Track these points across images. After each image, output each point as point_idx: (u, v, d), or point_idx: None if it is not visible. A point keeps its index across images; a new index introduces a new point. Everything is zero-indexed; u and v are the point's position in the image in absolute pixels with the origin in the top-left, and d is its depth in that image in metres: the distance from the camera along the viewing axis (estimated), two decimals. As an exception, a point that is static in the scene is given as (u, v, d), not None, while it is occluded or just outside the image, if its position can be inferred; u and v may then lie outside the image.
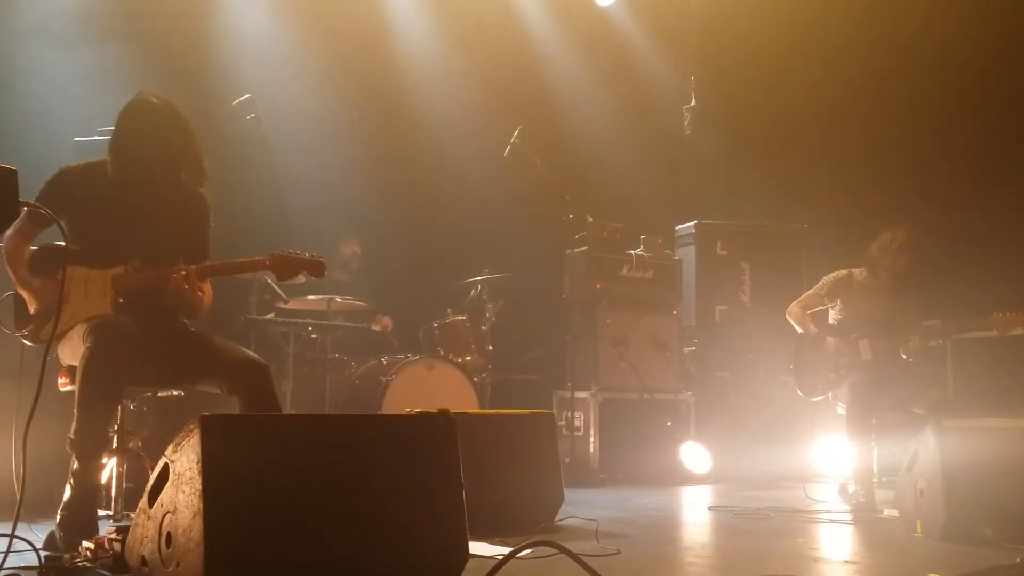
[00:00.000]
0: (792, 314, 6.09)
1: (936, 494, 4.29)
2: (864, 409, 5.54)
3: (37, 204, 3.46)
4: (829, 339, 5.91)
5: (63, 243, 3.68)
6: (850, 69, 8.34)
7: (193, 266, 3.90)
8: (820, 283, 6.08)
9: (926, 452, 4.45)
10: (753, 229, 8.09)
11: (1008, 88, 7.70)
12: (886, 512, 5.17)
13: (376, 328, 7.38)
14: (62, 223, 3.49)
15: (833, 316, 6.05)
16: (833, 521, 5.08)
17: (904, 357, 5.66)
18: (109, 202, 3.93)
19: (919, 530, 4.45)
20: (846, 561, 4.00)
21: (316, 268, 3.96)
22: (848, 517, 5.15)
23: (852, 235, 7.02)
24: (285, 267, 3.93)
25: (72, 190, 3.92)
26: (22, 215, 3.67)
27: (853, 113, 8.28)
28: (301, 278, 4.15)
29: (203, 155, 4.09)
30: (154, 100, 3.99)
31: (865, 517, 5.11)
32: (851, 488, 5.53)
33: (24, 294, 3.85)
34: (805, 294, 6.14)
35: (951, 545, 4.14)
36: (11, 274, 3.85)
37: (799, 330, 6.04)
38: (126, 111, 4.00)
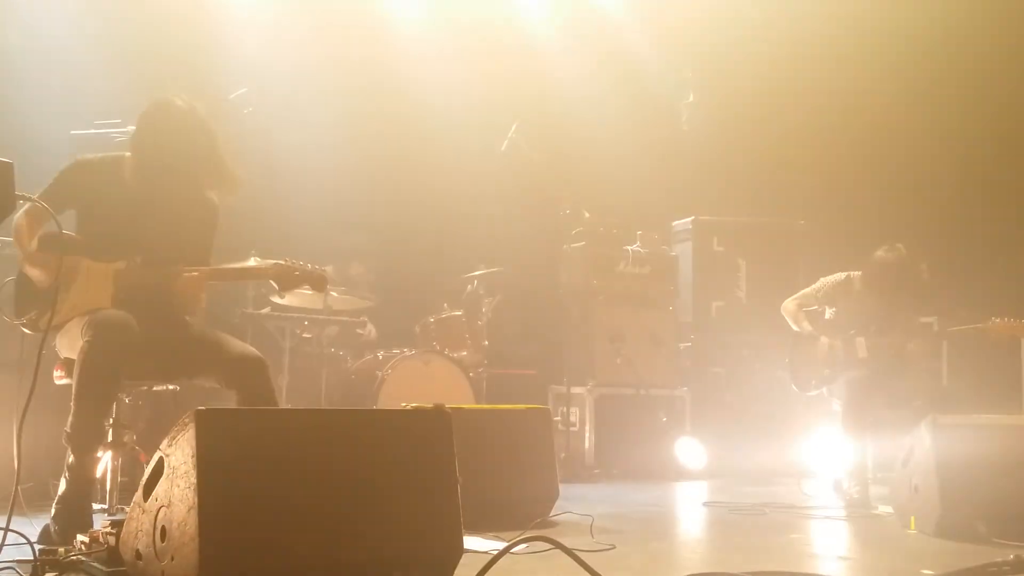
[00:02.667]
0: (787, 310, 6.08)
1: (930, 490, 4.30)
2: (860, 406, 5.54)
3: (34, 198, 3.46)
4: (824, 336, 5.91)
5: (64, 232, 3.68)
6: (848, 65, 8.34)
7: (205, 268, 3.90)
8: (818, 284, 6.05)
9: (921, 448, 4.46)
10: (749, 225, 8.10)
11: (1011, 86, 7.71)
12: (880, 508, 5.18)
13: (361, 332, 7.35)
14: (62, 217, 3.50)
15: (829, 313, 6.05)
16: (828, 517, 5.09)
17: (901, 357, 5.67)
18: (119, 197, 3.92)
19: (913, 526, 4.47)
20: (840, 557, 4.02)
21: (318, 281, 3.98)
22: (843, 513, 5.16)
23: (848, 231, 7.04)
24: (287, 278, 3.94)
25: (84, 182, 3.92)
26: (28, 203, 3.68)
27: (851, 110, 8.28)
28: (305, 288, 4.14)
29: (226, 161, 4.06)
30: (179, 103, 3.96)
31: (859, 513, 5.12)
32: (846, 484, 5.54)
33: (34, 271, 3.83)
34: (802, 292, 6.12)
35: (945, 541, 4.15)
36: (20, 251, 3.83)
37: (794, 327, 6.04)
38: (148, 112, 3.96)
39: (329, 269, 7.16)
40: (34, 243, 3.83)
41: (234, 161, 4.11)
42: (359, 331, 7.22)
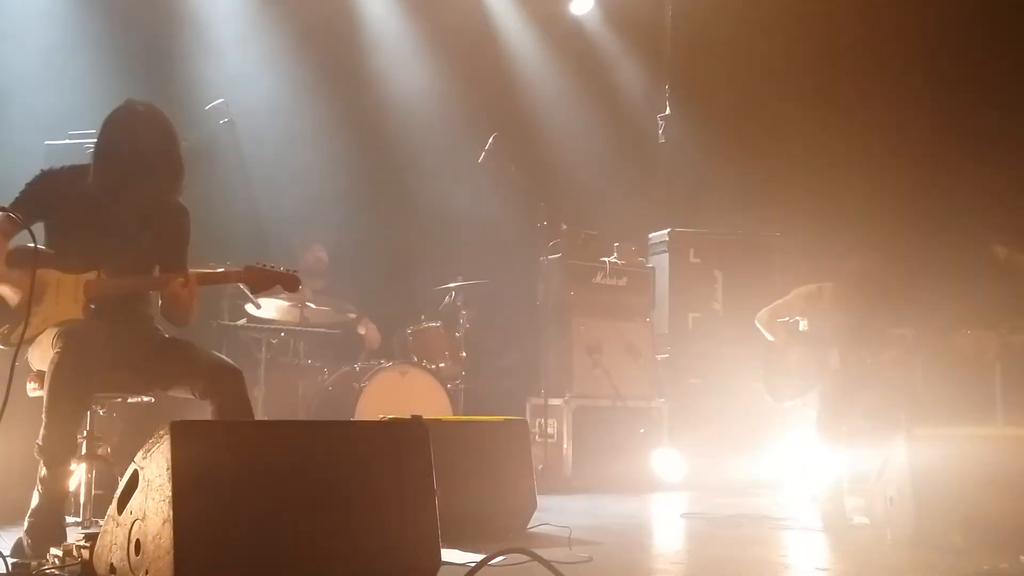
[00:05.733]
0: (761, 321, 6.09)
1: (906, 502, 4.32)
2: (834, 416, 5.55)
3: (8, 208, 3.44)
4: (798, 346, 5.93)
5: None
6: (824, 79, 8.40)
7: (194, 272, 3.88)
8: (790, 296, 6.07)
9: (896, 460, 4.48)
10: (726, 237, 8.13)
11: (986, 96, 7.78)
12: (856, 519, 5.19)
13: (362, 331, 7.30)
14: (32, 229, 3.49)
15: (803, 324, 6.06)
16: (804, 528, 5.10)
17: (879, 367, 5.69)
18: (86, 207, 3.90)
19: (889, 537, 4.48)
20: (816, 568, 4.03)
21: (290, 282, 3.97)
22: (818, 524, 5.17)
23: (824, 244, 7.07)
24: (259, 280, 3.94)
25: (51, 193, 3.90)
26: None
27: (826, 122, 8.33)
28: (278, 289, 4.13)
29: (183, 165, 4.06)
30: (140, 108, 3.96)
31: (835, 524, 5.13)
32: (821, 495, 5.55)
33: (5, 288, 3.80)
34: (775, 303, 6.13)
35: (921, 552, 4.16)
36: None
37: (769, 337, 6.06)
38: (111, 118, 3.95)
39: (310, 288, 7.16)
40: (0, 261, 3.80)
41: (193, 168, 4.10)
42: (360, 331, 7.18)
